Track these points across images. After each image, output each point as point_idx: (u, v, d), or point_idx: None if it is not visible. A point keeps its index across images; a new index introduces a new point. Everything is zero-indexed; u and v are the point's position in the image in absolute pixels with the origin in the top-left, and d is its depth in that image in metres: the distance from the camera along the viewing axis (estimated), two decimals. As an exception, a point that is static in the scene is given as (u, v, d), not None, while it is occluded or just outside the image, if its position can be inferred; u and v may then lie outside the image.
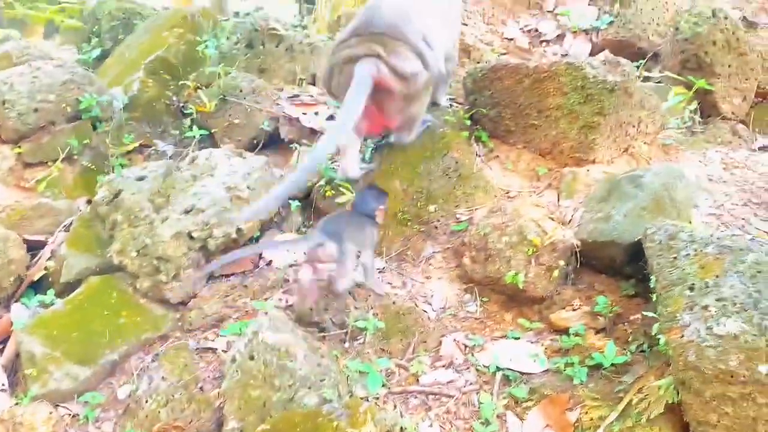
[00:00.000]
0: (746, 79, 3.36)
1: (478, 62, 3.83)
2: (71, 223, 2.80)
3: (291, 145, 3.24)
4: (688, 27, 3.33)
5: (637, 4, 3.88)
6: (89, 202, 3.00)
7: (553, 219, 2.57)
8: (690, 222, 2.43)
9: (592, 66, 2.71)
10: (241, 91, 3.36)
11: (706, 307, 1.81)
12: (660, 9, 3.91)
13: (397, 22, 2.53)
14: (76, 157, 3.27)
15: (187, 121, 3.49)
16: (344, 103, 2.36)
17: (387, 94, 2.47)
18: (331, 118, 3.33)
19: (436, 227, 2.71)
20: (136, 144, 3.43)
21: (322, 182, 2.79)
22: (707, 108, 3.40)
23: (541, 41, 4.11)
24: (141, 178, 2.66)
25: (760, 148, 3.25)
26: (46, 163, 3.22)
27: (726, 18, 3.31)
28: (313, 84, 3.74)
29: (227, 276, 2.55)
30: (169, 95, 3.75)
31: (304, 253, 2.34)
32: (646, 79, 3.53)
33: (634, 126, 2.88)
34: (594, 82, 2.68)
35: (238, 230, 2.48)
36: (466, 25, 4.01)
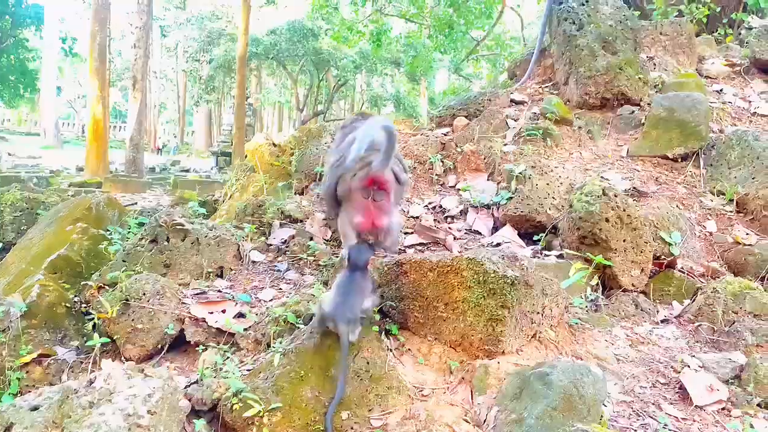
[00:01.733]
0: (641, 252, 3.50)
1: (386, 244, 3.89)
2: (-45, 457, 2.58)
3: (197, 348, 3.14)
4: (581, 205, 3.49)
5: (532, 181, 4.05)
6: (-20, 424, 2.79)
7: (468, 421, 2.53)
8: (601, 418, 2.43)
9: (492, 261, 2.77)
10: (144, 294, 3.27)
11: None
12: (554, 184, 4.09)
13: (391, 146, 3.18)
14: (-32, 373, 3.07)
15: (90, 325, 3.36)
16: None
17: (384, 194, 3.18)
18: (240, 315, 3.28)
19: (350, 436, 2.61)
20: (35, 355, 3.25)
21: (228, 393, 2.69)
22: (608, 281, 3.52)
23: (446, 217, 4.23)
24: (35, 408, 2.48)
25: (661, 321, 3.34)
26: (-66, 384, 3.01)
27: (616, 195, 3.49)
28: (221, 276, 3.70)
29: None
30: (70, 298, 3.64)
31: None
32: (548, 255, 3.64)
33: (538, 313, 2.93)
34: (495, 277, 2.73)
35: (137, 467, 2.33)
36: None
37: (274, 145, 4.92)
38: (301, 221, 4.06)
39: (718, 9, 7.66)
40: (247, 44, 19.24)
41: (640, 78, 5.02)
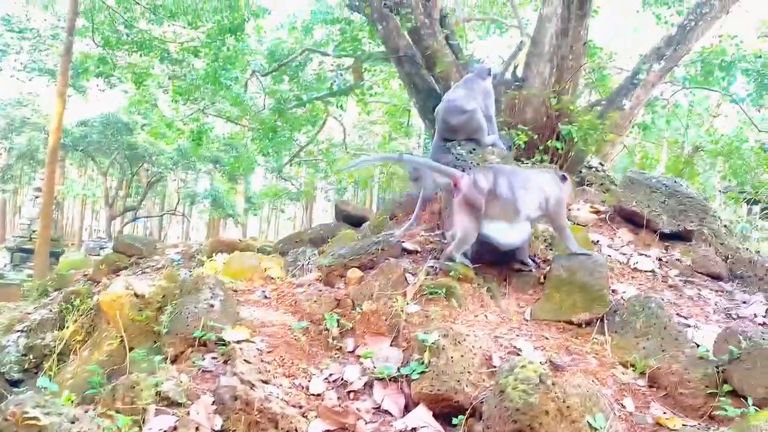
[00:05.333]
0: (580, 447, 3.20)
1: None
2: None
3: None
4: (517, 395, 3.14)
5: (447, 353, 3.67)
6: None
7: None
8: None
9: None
10: None
11: None
12: (468, 356, 3.74)
13: (497, 167, 4.84)
14: None
15: None
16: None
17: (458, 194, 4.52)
18: None
19: None
20: None
21: None
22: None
23: (349, 392, 3.72)
24: None
25: None
26: None
27: (554, 384, 3.19)
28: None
29: None
30: None
31: None
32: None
33: None
34: None
35: None
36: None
37: (137, 295, 4.18)
38: (183, 405, 3.35)
39: (535, 136, 7.99)
40: (60, 137, 17.75)
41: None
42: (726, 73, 13.16)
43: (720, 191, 20.23)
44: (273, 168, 32.36)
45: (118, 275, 7.92)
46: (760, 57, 13.07)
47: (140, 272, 8.04)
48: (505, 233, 4.67)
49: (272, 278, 4.97)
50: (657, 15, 13.97)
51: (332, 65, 17.76)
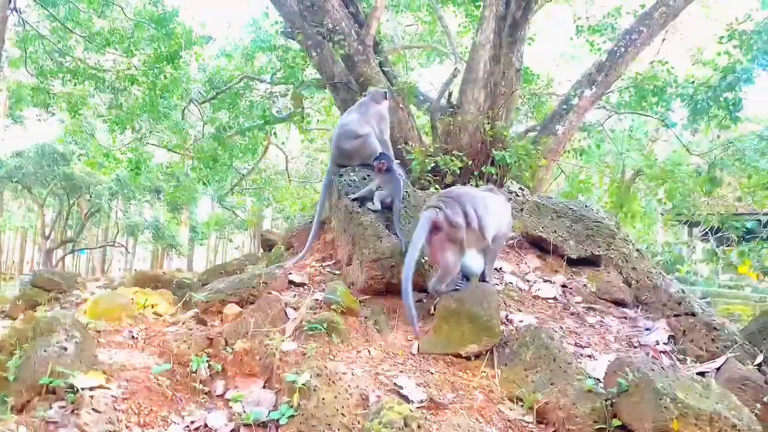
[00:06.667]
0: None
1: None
2: None
3: None
4: (380, 442, 2.90)
5: (318, 394, 3.40)
6: None
7: None
8: None
9: None
10: None
11: None
12: (343, 396, 3.47)
13: (459, 194, 4.46)
14: None
15: None
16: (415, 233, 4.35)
17: (438, 232, 4.28)
18: None
19: None
20: None
21: None
22: None
23: (212, 440, 3.42)
24: None
25: None
26: None
27: (419, 427, 2.97)
28: None
29: None
30: None
31: None
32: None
33: None
34: None
35: None
36: None
37: (-10, 339, 3.82)
38: (16, 462, 3.02)
39: (470, 162, 8.00)
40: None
41: (425, 260, 4.68)
42: (659, 98, 13.28)
43: (662, 214, 20.43)
44: (216, 197, 31.78)
45: (35, 311, 7.51)
46: (693, 82, 13.20)
47: (59, 308, 7.64)
48: (477, 260, 4.63)
49: (155, 315, 4.65)
50: (590, 42, 14.06)
51: (266, 92, 17.51)
